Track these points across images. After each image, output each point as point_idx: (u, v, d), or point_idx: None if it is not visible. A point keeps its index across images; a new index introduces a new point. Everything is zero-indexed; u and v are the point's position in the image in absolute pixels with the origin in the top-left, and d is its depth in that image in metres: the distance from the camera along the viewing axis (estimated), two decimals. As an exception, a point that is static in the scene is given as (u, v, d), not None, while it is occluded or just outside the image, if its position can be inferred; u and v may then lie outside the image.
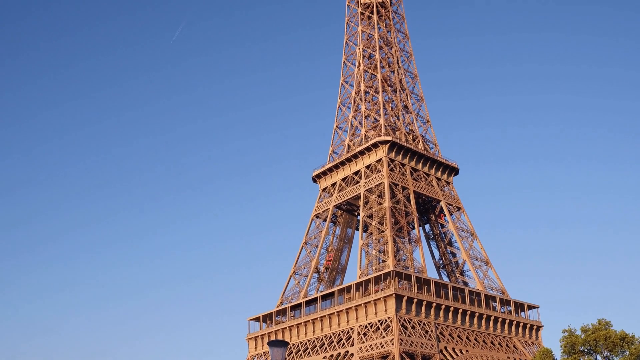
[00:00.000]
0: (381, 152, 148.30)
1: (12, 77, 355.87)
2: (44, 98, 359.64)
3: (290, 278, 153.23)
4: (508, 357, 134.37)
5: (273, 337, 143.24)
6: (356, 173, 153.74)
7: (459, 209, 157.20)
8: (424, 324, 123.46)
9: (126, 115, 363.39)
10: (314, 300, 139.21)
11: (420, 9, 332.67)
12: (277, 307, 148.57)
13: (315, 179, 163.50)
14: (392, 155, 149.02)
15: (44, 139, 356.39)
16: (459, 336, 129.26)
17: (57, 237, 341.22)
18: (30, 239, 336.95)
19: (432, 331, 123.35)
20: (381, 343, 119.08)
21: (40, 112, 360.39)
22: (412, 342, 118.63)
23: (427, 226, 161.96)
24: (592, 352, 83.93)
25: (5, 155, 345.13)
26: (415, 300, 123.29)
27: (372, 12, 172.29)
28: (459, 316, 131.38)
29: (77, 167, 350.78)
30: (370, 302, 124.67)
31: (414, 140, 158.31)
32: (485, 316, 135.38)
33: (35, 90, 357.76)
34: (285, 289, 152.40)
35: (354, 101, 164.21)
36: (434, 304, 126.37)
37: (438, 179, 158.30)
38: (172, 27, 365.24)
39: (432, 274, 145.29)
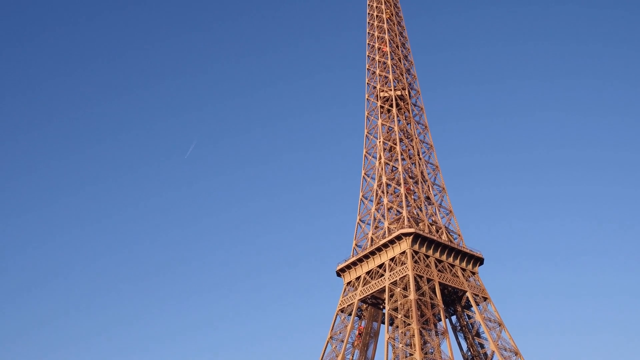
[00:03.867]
0: (405, 244, 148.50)
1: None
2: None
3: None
4: None
5: None
6: (380, 266, 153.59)
7: (485, 299, 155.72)
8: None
9: (136, 208, 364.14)
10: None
11: (440, 89, 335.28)
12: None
13: (339, 273, 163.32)
14: (416, 247, 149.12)
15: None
16: None
17: (80, 340, 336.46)
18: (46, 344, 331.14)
19: None
20: None
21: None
22: None
23: (453, 317, 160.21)
24: None
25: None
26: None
27: (391, 106, 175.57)
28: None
29: (83, 271, 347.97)
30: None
31: (437, 231, 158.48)
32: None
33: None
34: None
35: (376, 194, 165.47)
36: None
37: (463, 270, 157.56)
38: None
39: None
